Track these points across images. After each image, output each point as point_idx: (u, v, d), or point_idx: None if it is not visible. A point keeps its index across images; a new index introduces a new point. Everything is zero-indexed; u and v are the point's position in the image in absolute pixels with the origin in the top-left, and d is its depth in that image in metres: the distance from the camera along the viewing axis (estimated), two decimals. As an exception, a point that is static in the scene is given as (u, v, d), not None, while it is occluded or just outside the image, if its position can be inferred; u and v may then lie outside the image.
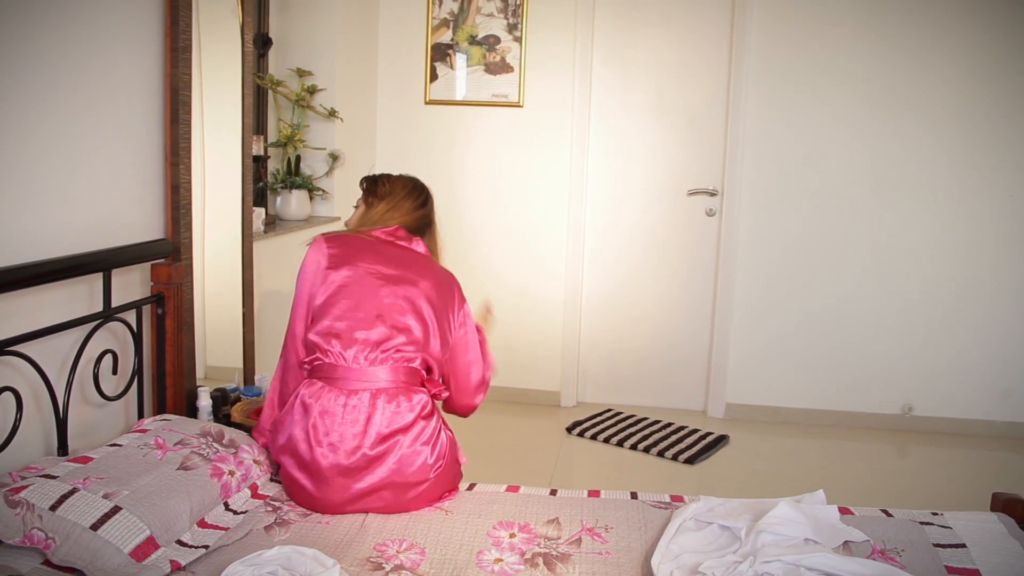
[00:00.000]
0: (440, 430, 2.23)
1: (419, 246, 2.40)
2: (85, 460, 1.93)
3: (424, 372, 2.26)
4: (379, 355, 2.17)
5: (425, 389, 2.24)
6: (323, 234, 2.35)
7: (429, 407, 2.21)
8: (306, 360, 2.24)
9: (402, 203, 2.44)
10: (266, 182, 3.79)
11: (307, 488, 2.13)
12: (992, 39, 4.18)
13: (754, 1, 4.32)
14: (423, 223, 2.47)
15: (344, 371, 2.16)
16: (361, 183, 2.53)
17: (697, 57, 4.49)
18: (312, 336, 2.21)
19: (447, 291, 2.35)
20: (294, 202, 3.82)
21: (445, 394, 2.37)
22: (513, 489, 2.31)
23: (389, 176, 2.51)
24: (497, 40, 4.52)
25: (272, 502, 2.14)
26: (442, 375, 2.35)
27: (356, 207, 2.52)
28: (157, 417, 2.29)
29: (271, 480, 2.26)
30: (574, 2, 4.45)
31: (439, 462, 2.18)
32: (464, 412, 2.48)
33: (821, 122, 4.37)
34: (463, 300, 2.41)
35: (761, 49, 4.36)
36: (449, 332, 2.33)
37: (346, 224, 2.56)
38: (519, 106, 4.56)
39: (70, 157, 2.16)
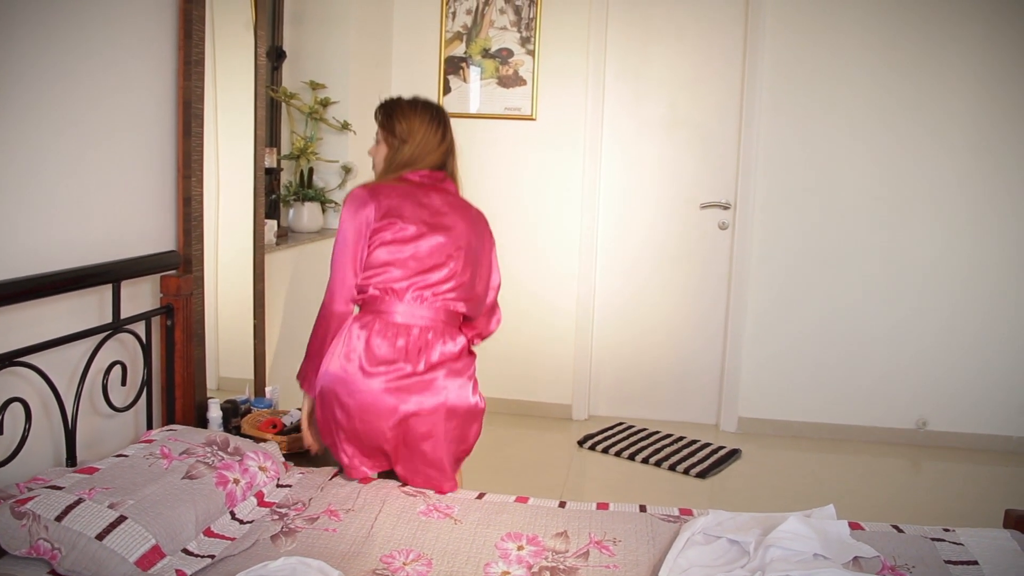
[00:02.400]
0: (475, 371, 2.42)
1: (451, 185, 2.48)
2: (91, 471, 1.94)
3: (463, 316, 2.44)
4: (430, 297, 2.32)
5: (463, 332, 2.43)
6: (363, 186, 2.37)
7: (468, 348, 2.42)
8: (358, 297, 2.34)
9: (426, 140, 2.43)
10: (279, 194, 3.80)
11: (352, 411, 2.25)
12: (1007, 57, 4.16)
13: (767, 16, 4.32)
14: (448, 154, 2.50)
15: (396, 306, 2.30)
16: (376, 115, 2.49)
17: (710, 71, 4.48)
18: (366, 282, 2.32)
19: (483, 232, 2.52)
20: (306, 214, 3.84)
21: (477, 341, 2.53)
22: (522, 500, 2.30)
23: (403, 109, 2.44)
24: (510, 53, 4.53)
25: (278, 510, 2.13)
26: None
27: (376, 142, 2.49)
28: (164, 428, 2.30)
29: (277, 486, 2.25)
30: (587, 16, 4.46)
31: (476, 396, 2.37)
32: (482, 335, 2.59)
33: (834, 136, 4.36)
34: (492, 240, 2.58)
35: (773, 63, 4.35)
36: (483, 270, 2.51)
37: (370, 154, 2.53)
38: (532, 119, 4.57)
39: (83, 169, 2.18)
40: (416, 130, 2.42)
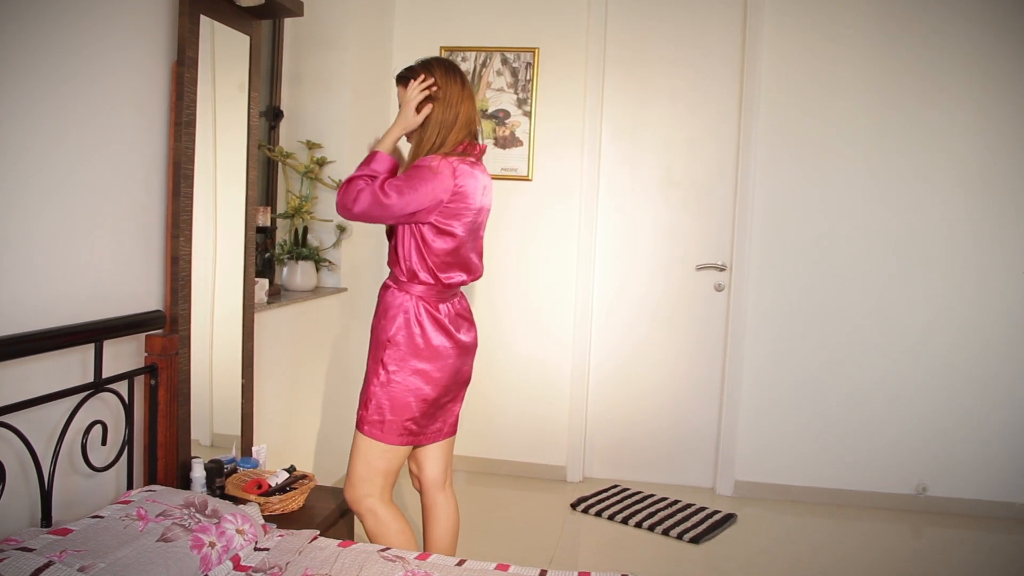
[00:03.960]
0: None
1: (485, 157, 2.67)
2: (64, 532, 1.91)
3: None
4: (435, 283, 2.57)
5: None
6: (451, 168, 2.45)
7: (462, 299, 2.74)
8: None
9: (450, 91, 2.52)
10: (273, 253, 3.82)
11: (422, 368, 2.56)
12: (1007, 117, 4.20)
13: (762, 77, 4.37)
14: (471, 98, 2.56)
15: (414, 286, 2.56)
16: (398, 82, 2.58)
17: (705, 132, 4.52)
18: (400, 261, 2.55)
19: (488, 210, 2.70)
20: (300, 273, 3.85)
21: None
22: (503, 568, 2.26)
23: (419, 72, 2.53)
24: (507, 115, 4.58)
25: (254, 574, 2.10)
26: None
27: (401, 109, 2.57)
28: (143, 488, 2.28)
29: (255, 550, 2.22)
30: (583, 78, 4.51)
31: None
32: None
33: (830, 197, 4.37)
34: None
35: (769, 125, 4.39)
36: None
37: (407, 138, 2.60)
38: (528, 180, 4.60)
39: (70, 228, 2.19)
40: (439, 85, 2.51)
